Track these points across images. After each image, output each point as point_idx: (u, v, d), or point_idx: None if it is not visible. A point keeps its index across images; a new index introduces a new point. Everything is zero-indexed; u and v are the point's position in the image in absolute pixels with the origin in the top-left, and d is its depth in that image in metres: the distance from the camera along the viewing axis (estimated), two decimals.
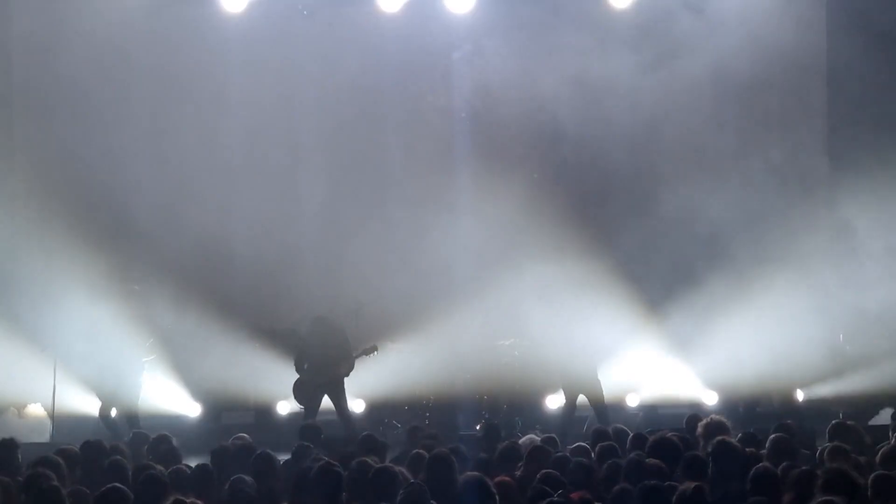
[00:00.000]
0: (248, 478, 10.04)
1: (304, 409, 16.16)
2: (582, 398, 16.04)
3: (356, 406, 17.02)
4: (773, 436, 10.89)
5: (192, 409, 17.18)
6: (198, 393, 17.16)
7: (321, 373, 16.01)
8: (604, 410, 15.71)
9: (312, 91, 18.91)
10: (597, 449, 11.04)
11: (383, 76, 18.89)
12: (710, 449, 9.89)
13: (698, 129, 18.74)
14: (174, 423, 16.16)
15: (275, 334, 17.66)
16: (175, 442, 11.77)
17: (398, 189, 18.93)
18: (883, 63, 17.70)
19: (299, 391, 16.16)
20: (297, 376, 16.23)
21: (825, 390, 16.52)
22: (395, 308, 17.63)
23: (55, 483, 9.59)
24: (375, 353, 16.47)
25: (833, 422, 11.74)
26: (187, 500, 8.70)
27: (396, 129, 19.07)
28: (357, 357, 16.25)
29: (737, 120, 18.89)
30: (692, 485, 9.00)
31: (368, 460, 9.90)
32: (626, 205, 18.87)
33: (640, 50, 18.33)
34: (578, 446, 11.33)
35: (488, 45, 18.56)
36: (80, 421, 15.97)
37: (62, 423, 15.94)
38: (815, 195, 18.27)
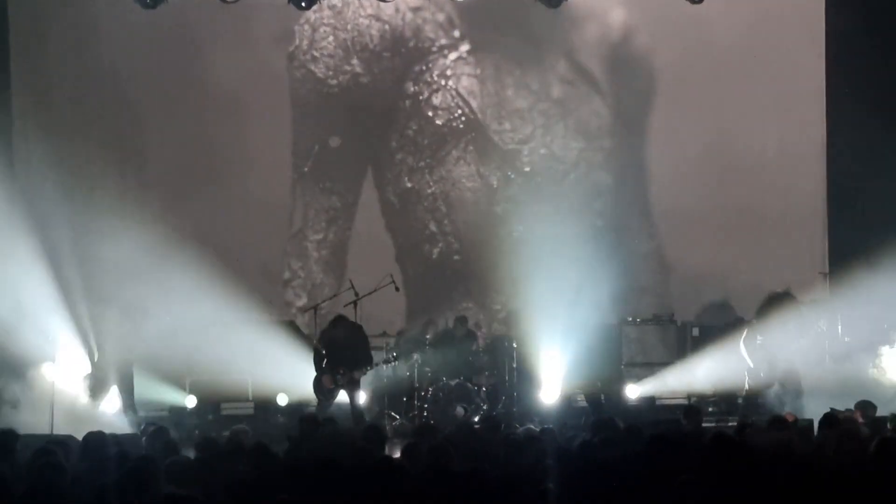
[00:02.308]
0: (244, 469, 9.31)
1: (319, 403, 15.62)
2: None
3: (360, 397, 16.31)
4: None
5: (188, 401, 16.48)
6: (196, 384, 16.57)
7: (342, 373, 15.50)
8: (599, 402, 15.14)
9: (314, 84, 18.68)
10: (595, 440, 10.29)
11: (382, 70, 18.74)
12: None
13: None
14: (173, 414, 15.63)
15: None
16: (172, 433, 10.96)
17: (398, 180, 18.73)
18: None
19: (319, 388, 15.60)
20: (315, 373, 15.64)
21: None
22: (394, 299, 17.20)
23: (57, 473, 8.86)
24: (395, 363, 16.12)
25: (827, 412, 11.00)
26: (180, 493, 8.03)
27: (397, 121, 18.83)
28: (377, 364, 15.92)
29: None
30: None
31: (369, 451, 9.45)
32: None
33: (633, 39, 18.22)
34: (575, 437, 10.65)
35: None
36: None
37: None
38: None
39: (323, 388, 15.49)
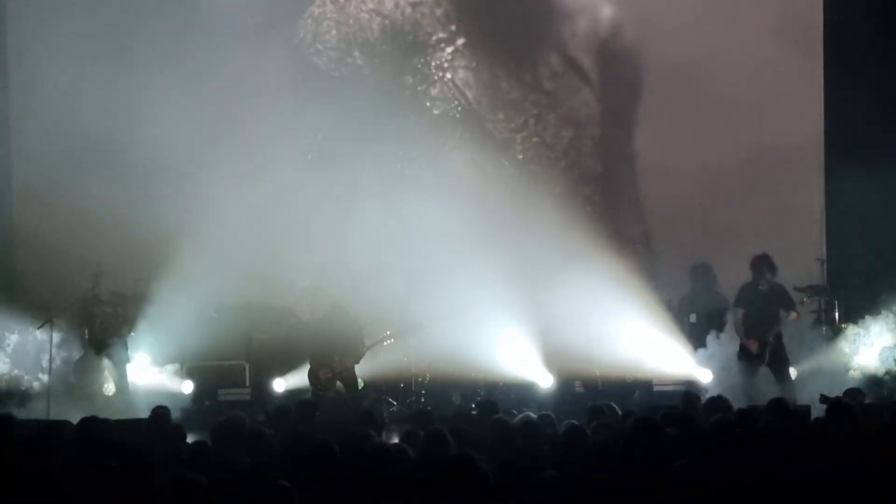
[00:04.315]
0: (242, 457, 8.54)
1: (314, 392, 15.07)
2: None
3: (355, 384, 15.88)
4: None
5: (184, 387, 15.75)
6: (191, 370, 15.97)
7: (337, 361, 15.06)
8: (597, 388, 14.49)
9: (317, 75, 18.37)
10: (592, 426, 9.68)
11: (382, 63, 18.39)
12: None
13: None
14: (168, 400, 14.69)
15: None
16: (173, 418, 10.24)
17: (398, 168, 18.37)
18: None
19: (314, 378, 15.10)
20: (309, 363, 15.19)
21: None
22: (390, 289, 16.72)
23: (51, 459, 8.35)
24: (389, 341, 15.51)
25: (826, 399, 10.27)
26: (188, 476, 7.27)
27: (396, 112, 18.40)
28: (371, 346, 15.34)
29: None
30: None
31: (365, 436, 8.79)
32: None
33: (622, 33, 17.92)
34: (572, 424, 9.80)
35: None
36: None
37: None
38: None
39: (320, 378, 14.97)
